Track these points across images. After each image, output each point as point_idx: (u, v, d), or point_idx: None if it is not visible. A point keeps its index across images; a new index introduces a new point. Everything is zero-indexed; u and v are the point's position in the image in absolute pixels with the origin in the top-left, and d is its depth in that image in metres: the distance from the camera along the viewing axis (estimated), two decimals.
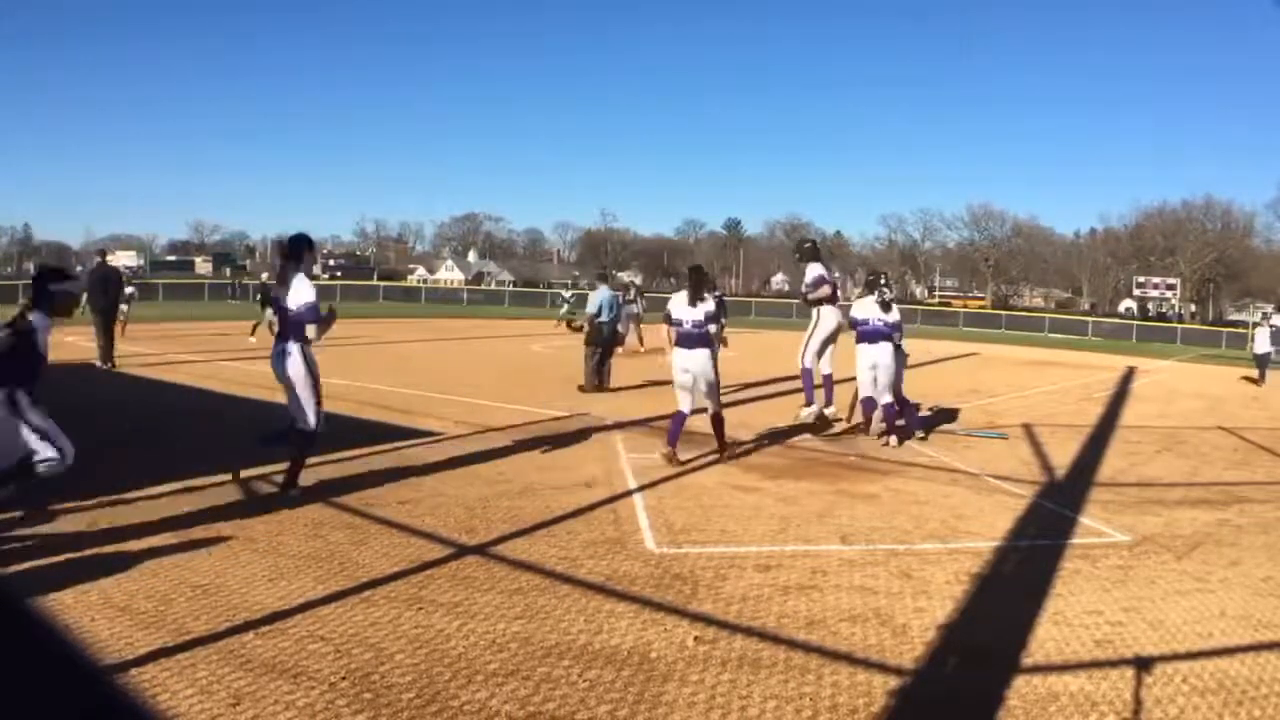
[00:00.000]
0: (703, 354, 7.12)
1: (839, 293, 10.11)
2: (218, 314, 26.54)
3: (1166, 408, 13.01)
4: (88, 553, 4.28)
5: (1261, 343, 18.24)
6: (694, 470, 6.81)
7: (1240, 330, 40.51)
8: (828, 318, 8.94)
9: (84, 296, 12.18)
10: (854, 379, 8.69)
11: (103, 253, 15.24)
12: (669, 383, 7.50)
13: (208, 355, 14.21)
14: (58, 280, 4.94)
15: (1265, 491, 6.97)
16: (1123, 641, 3.69)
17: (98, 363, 12.14)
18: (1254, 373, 18.19)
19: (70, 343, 15.25)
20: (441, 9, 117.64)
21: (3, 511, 4.64)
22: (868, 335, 8.36)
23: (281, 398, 5.66)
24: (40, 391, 4.72)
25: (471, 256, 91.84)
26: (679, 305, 7.25)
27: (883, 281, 8.66)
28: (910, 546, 5.03)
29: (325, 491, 5.66)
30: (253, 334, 17.72)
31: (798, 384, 9.27)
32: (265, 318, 18.04)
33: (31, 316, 4.69)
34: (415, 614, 3.70)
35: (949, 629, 3.79)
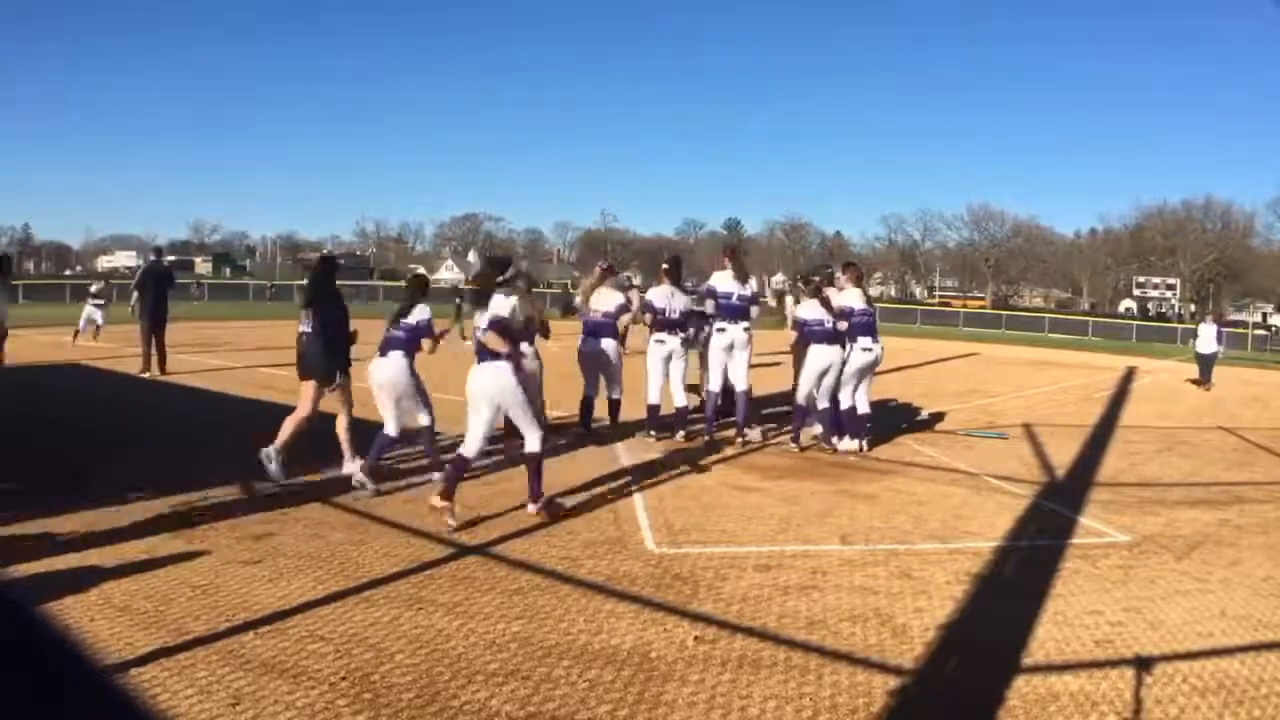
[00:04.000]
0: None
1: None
2: (216, 314, 26.56)
3: (1166, 408, 13.01)
4: (87, 553, 4.28)
5: (1207, 341, 16.60)
6: (694, 470, 6.81)
7: (1240, 330, 40.50)
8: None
9: (134, 296, 11.96)
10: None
11: (158, 250, 14.28)
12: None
13: (205, 355, 14.21)
14: None
15: (1265, 491, 6.97)
16: (1123, 641, 3.69)
17: (140, 372, 11.21)
18: (1198, 373, 16.62)
19: (69, 342, 15.25)
20: (442, 9, 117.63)
21: None
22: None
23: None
24: None
25: (471, 256, 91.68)
26: (662, 296, 7.96)
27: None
28: (910, 546, 5.03)
29: (325, 492, 5.67)
30: (465, 338, 17.86)
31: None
32: (463, 324, 18.19)
33: None
34: (415, 614, 3.70)
35: (949, 629, 3.79)
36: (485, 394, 5.28)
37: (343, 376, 6.08)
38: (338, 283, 6.44)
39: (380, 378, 6.03)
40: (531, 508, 5.31)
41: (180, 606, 3.66)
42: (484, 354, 5.34)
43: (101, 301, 15.96)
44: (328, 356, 5.99)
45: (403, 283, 7.18)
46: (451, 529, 4.95)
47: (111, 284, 18.73)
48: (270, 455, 5.76)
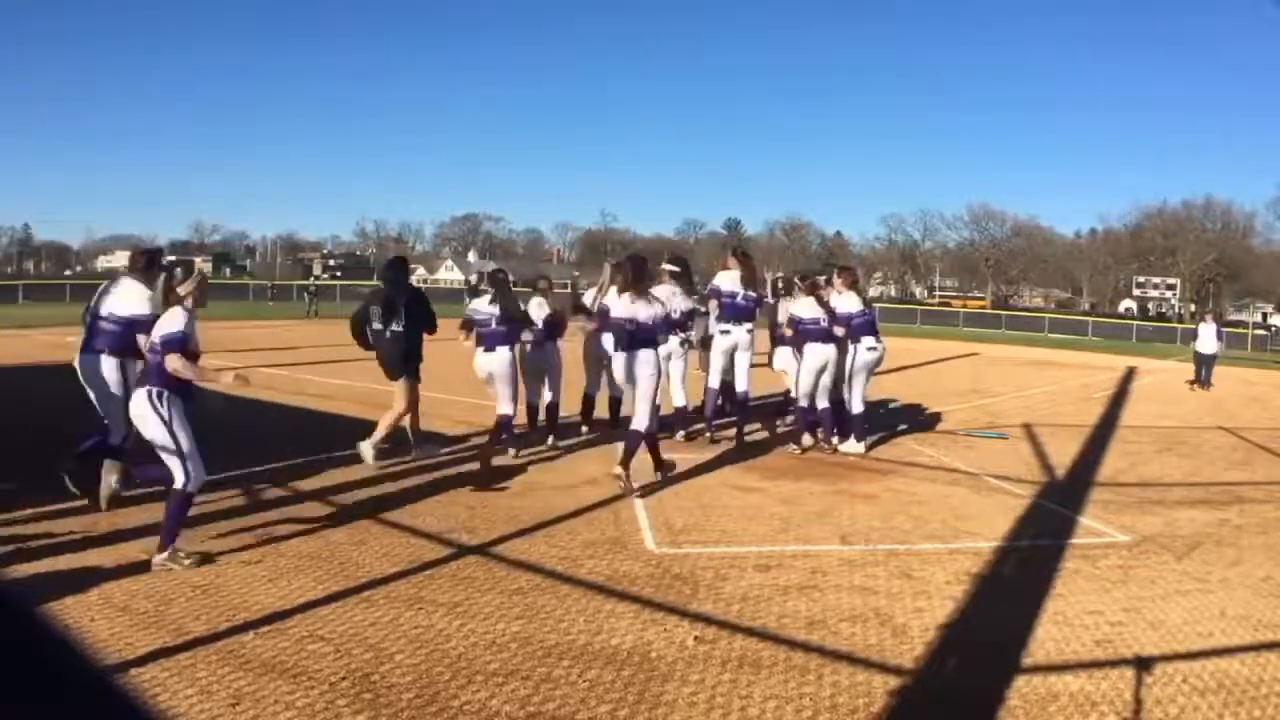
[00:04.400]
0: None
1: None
2: (216, 314, 26.53)
3: (1167, 408, 13.01)
4: (88, 553, 4.29)
5: (1207, 341, 16.05)
6: (694, 470, 6.81)
7: (1240, 330, 40.44)
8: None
9: None
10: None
11: (158, 250, 14.31)
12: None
13: (204, 356, 14.20)
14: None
15: (1265, 491, 6.97)
16: (1123, 641, 3.69)
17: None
18: (1194, 373, 16.21)
19: (70, 343, 15.27)
20: (442, 9, 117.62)
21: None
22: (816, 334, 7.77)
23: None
24: None
25: (471, 256, 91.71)
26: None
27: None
28: (910, 546, 5.03)
29: (326, 492, 5.67)
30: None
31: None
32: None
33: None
34: (415, 614, 3.70)
35: (949, 629, 3.79)
36: (622, 373, 6.07)
37: (411, 376, 6.52)
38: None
39: (489, 369, 6.66)
40: (656, 475, 6.13)
41: (180, 606, 3.66)
42: (629, 341, 6.02)
43: None
44: (402, 358, 6.47)
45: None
46: (633, 491, 5.78)
47: None
48: (417, 443, 6.64)
